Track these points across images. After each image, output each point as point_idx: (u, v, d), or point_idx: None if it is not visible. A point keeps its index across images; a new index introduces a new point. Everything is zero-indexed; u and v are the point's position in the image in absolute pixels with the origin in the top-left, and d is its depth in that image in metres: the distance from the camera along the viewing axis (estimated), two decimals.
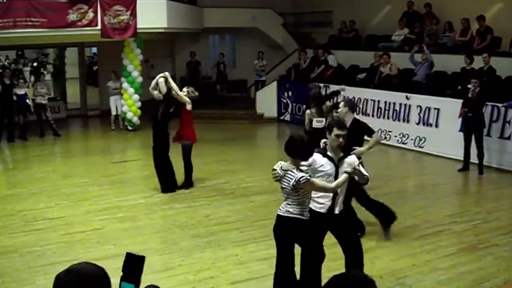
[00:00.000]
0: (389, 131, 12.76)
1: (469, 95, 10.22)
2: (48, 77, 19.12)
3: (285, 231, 4.89)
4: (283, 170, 4.79)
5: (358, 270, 2.34)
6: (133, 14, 13.92)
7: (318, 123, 8.35)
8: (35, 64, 21.62)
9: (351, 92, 12.97)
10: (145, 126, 15.09)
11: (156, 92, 9.02)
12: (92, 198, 8.92)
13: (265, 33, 18.79)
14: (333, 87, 12.90)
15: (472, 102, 10.18)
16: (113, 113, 15.47)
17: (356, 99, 13.10)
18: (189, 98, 9.15)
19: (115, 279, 2.18)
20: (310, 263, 5.09)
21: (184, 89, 9.27)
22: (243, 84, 19.56)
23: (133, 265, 2.20)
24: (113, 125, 15.47)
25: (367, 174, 5.00)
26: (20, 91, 14.00)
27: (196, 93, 9.35)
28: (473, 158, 10.37)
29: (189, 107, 9.09)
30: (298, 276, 5.09)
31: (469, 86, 10.23)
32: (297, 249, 5.02)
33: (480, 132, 10.21)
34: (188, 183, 9.36)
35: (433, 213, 8.06)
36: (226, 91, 18.63)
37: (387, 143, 12.47)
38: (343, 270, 4.96)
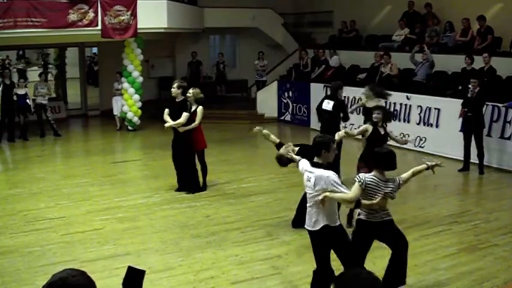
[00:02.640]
0: (390, 131, 12.74)
1: (469, 95, 10.22)
2: (49, 76, 19.09)
3: (380, 233, 5.30)
4: (386, 181, 5.15)
5: (365, 270, 2.32)
6: (134, 14, 13.92)
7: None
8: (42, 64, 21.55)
9: (351, 92, 13.00)
10: (145, 126, 15.12)
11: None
12: (92, 198, 8.93)
13: (266, 33, 18.80)
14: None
15: (472, 102, 10.18)
16: (115, 113, 15.52)
17: (357, 99, 13.09)
18: (198, 100, 9.00)
19: (114, 279, 2.18)
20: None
21: (190, 90, 9.04)
22: (244, 84, 19.55)
23: (134, 279, 2.21)
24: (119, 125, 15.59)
25: None
26: (21, 91, 14.00)
27: (202, 95, 9.12)
28: (474, 158, 10.37)
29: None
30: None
31: (469, 86, 10.23)
32: None
33: (480, 133, 10.20)
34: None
35: (433, 213, 8.06)
36: (226, 91, 18.63)
37: (387, 142, 12.44)
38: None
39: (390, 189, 5.14)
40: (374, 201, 5.07)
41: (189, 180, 9.13)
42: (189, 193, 9.03)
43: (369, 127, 7.59)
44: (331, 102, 9.36)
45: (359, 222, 5.31)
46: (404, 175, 5.33)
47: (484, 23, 12.73)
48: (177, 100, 8.99)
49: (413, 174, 5.42)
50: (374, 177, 5.12)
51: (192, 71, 17.68)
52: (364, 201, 5.06)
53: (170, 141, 9.23)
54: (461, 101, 10.53)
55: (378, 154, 5.26)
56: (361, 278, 2.18)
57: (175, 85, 9.07)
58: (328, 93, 10.58)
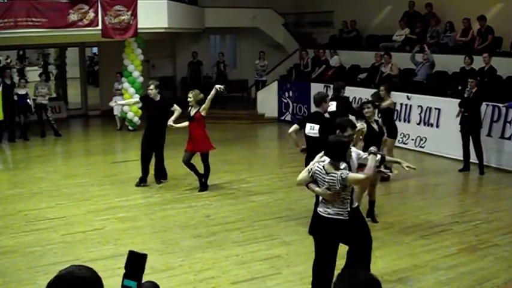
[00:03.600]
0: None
1: (465, 94, 10.22)
2: (49, 76, 19.10)
3: (328, 231, 4.93)
4: (326, 172, 4.80)
5: (364, 270, 2.29)
6: (134, 14, 13.92)
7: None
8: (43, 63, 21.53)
9: (352, 92, 12.98)
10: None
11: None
12: (93, 198, 8.93)
13: (266, 33, 18.80)
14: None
15: (469, 102, 10.18)
16: (116, 113, 15.53)
17: (357, 99, 13.10)
18: (199, 102, 9.02)
19: (115, 278, 2.18)
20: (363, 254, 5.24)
21: (190, 94, 9.09)
22: (244, 84, 19.56)
23: (136, 263, 2.22)
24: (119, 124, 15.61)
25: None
26: (21, 91, 14.00)
27: (202, 96, 9.15)
28: (474, 158, 10.37)
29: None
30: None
31: (467, 85, 10.24)
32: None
33: (477, 133, 10.20)
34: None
35: (433, 213, 8.06)
36: (226, 91, 18.59)
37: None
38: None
39: (328, 180, 4.77)
40: (316, 189, 4.89)
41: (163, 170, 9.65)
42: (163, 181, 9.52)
43: (363, 125, 7.40)
44: (334, 103, 9.28)
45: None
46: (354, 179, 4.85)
47: (484, 23, 12.73)
48: (155, 100, 9.35)
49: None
50: (321, 166, 4.86)
51: (193, 71, 17.68)
52: (310, 186, 4.97)
53: (167, 141, 9.68)
54: None
55: (327, 142, 4.96)
56: (358, 277, 2.14)
57: (152, 86, 9.37)
58: (330, 94, 10.54)
